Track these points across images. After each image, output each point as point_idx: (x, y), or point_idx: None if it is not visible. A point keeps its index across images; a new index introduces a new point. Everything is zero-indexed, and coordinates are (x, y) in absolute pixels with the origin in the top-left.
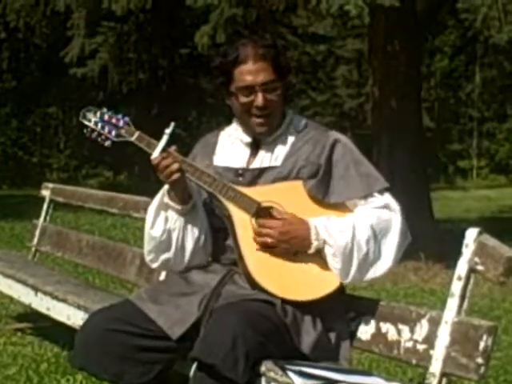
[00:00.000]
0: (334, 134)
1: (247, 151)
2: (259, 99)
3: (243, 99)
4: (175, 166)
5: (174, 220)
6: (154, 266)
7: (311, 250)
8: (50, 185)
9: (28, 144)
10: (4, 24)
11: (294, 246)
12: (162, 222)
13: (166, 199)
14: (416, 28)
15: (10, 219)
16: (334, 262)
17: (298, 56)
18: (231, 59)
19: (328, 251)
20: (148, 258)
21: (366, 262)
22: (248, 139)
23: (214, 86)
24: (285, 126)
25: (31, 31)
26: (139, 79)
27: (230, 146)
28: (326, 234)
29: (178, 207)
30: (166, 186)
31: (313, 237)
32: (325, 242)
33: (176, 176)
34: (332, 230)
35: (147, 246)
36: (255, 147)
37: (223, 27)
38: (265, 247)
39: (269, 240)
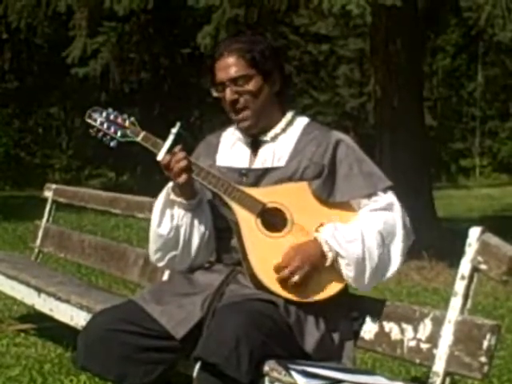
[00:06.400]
0: (337, 134)
1: (248, 151)
2: (227, 94)
3: (217, 94)
4: (183, 164)
5: (182, 216)
6: (160, 264)
7: (328, 263)
8: (53, 185)
9: (30, 145)
10: (6, 25)
11: (315, 267)
12: (169, 220)
13: (172, 196)
14: (418, 27)
15: (12, 220)
16: (348, 272)
17: (299, 55)
18: (213, 56)
19: (341, 262)
20: (154, 257)
21: (379, 267)
22: (247, 138)
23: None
24: (284, 124)
25: (33, 32)
26: (141, 79)
27: (233, 146)
28: (337, 246)
29: (186, 202)
30: (170, 184)
31: (326, 250)
32: (337, 254)
33: (185, 174)
34: (342, 240)
35: (154, 245)
36: (256, 146)
37: (225, 27)
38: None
39: (295, 278)
